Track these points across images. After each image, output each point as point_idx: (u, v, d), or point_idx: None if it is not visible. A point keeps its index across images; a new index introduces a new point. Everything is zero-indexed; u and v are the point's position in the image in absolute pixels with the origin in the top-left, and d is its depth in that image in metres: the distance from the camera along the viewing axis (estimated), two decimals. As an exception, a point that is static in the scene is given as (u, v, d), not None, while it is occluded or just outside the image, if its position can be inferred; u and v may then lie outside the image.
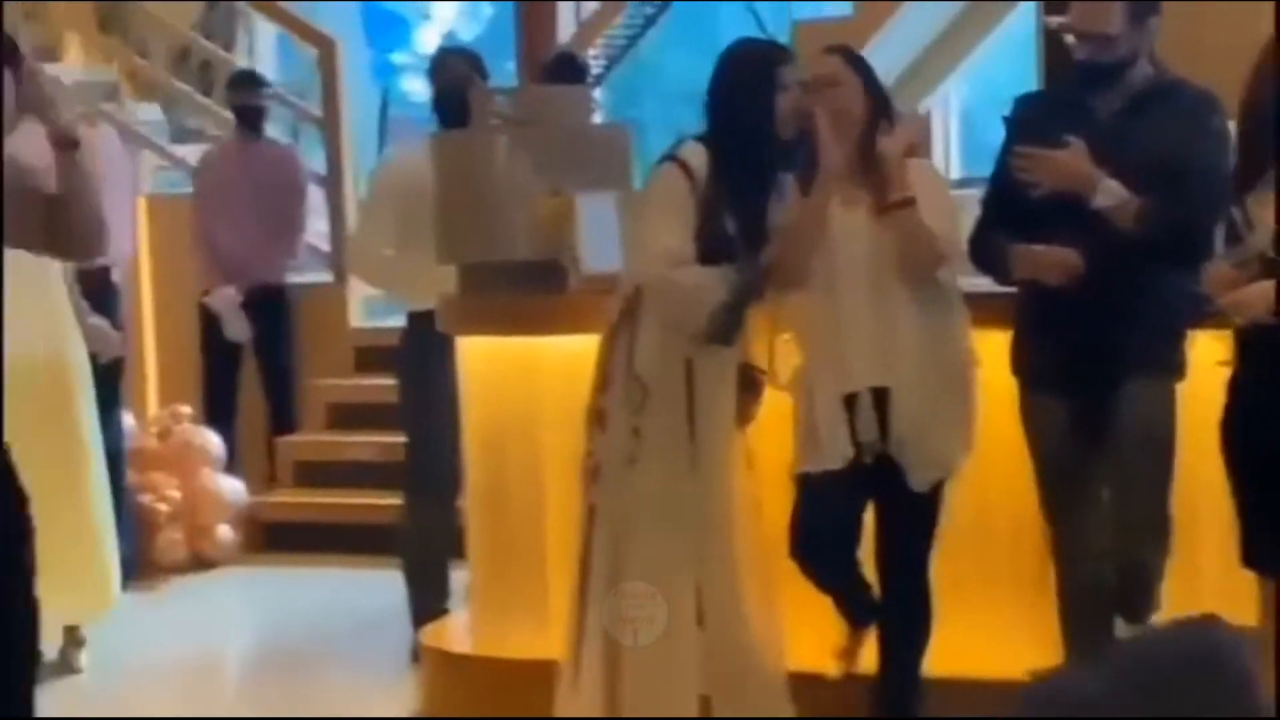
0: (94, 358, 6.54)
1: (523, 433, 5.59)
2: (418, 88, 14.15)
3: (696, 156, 4.74)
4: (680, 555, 4.78)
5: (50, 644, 5.85)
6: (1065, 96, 4.89)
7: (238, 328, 8.59)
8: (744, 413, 4.87)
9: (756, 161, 4.73)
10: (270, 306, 8.67)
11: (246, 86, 8.97)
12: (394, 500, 6.72)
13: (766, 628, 4.86)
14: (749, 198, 4.71)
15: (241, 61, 10.46)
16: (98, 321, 6.66)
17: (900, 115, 4.91)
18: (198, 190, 8.83)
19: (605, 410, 4.81)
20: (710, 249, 4.69)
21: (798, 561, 4.76)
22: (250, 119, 8.83)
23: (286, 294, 8.80)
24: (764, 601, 4.85)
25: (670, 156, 4.79)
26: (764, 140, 4.72)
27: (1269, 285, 4.11)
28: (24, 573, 4.09)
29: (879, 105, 4.73)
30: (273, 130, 9.45)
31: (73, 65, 10.47)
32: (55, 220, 4.23)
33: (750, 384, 4.87)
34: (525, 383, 5.58)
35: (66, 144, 4.20)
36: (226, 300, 8.55)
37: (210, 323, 8.64)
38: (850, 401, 4.68)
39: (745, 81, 4.76)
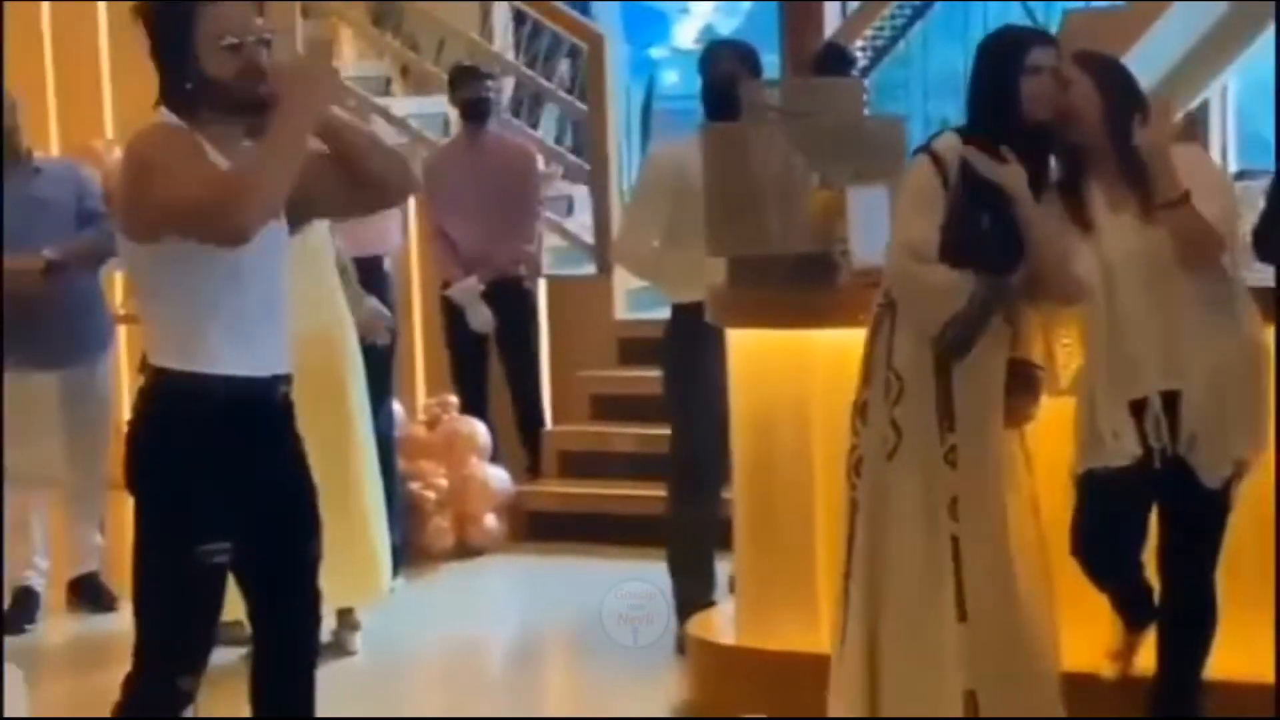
0: (366, 348, 6.66)
1: (791, 425, 5.57)
2: (677, 81, 14.23)
3: (950, 148, 4.66)
4: (936, 551, 4.72)
5: (325, 627, 5.95)
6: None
7: (481, 318, 8.54)
8: (1022, 412, 4.77)
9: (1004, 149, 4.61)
10: (510, 298, 8.61)
11: (469, 80, 8.81)
12: (658, 491, 6.75)
13: (1040, 626, 4.78)
14: (998, 189, 4.60)
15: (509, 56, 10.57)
16: (375, 304, 6.75)
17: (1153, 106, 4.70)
18: (428, 185, 8.70)
19: (868, 403, 4.79)
20: (958, 244, 4.60)
21: (1080, 560, 4.70)
22: (476, 111, 8.72)
23: (526, 285, 8.77)
24: (1038, 599, 4.77)
25: (924, 147, 4.74)
26: (1010, 125, 4.60)
27: None
28: (310, 565, 4.17)
29: (1120, 103, 4.60)
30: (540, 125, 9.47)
31: (346, 61, 10.68)
32: (352, 169, 4.10)
33: (1028, 383, 4.77)
34: (795, 375, 5.56)
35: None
36: (468, 291, 8.51)
37: (454, 315, 8.60)
38: (1136, 404, 4.59)
39: (992, 64, 4.67)
